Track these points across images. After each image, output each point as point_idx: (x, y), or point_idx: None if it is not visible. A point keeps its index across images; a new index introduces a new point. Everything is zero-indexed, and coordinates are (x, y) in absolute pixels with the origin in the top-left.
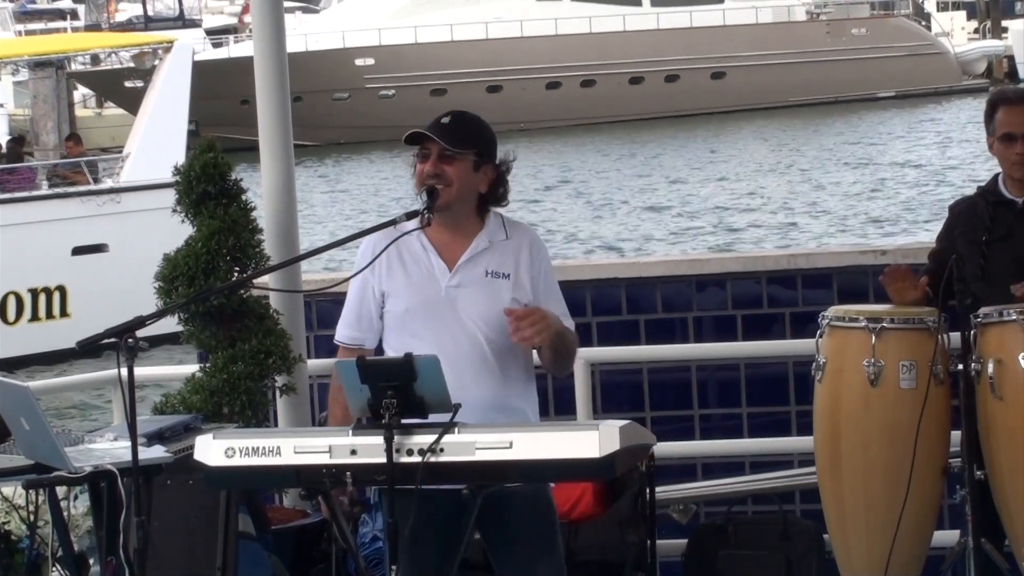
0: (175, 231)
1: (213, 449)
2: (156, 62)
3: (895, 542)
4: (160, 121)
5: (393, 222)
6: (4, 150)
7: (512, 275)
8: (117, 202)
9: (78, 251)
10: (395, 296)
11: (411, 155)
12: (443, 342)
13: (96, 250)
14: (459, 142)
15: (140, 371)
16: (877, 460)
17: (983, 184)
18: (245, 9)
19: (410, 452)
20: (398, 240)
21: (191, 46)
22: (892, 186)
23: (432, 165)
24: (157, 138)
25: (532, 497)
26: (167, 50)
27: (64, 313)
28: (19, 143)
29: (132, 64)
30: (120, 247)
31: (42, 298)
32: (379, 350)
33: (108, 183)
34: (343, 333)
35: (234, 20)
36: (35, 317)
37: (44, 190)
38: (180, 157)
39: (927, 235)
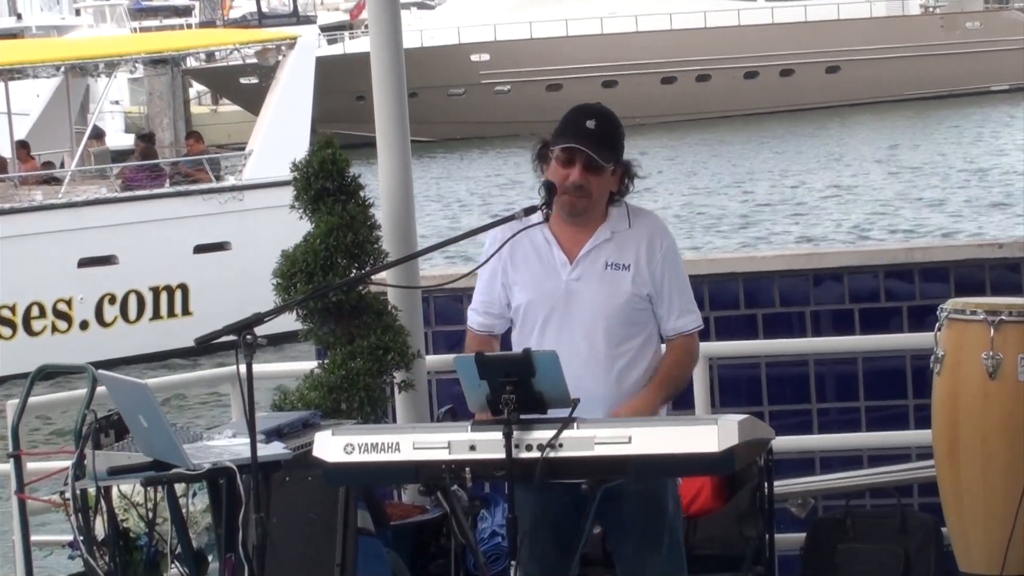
0: (297, 228)
1: (332, 445)
2: (279, 58)
3: (1013, 535)
4: (283, 118)
5: (512, 218)
6: (135, 147)
7: (632, 266)
8: (240, 200)
9: (200, 249)
10: (518, 289)
11: (537, 146)
12: (561, 336)
13: (218, 248)
14: (609, 152)
15: (259, 367)
16: (995, 453)
17: None
18: (359, 6)
19: (529, 447)
20: (525, 233)
21: (314, 42)
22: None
23: (580, 175)
24: (280, 135)
25: (643, 492)
26: (291, 47)
27: (186, 311)
28: (150, 140)
29: (253, 60)
30: (242, 245)
31: (163, 296)
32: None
33: (230, 181)
34: (473, 319)
35: (348, 17)
36: (156, 315)
37: (166, 188)
38: (303, 154)
39: None
